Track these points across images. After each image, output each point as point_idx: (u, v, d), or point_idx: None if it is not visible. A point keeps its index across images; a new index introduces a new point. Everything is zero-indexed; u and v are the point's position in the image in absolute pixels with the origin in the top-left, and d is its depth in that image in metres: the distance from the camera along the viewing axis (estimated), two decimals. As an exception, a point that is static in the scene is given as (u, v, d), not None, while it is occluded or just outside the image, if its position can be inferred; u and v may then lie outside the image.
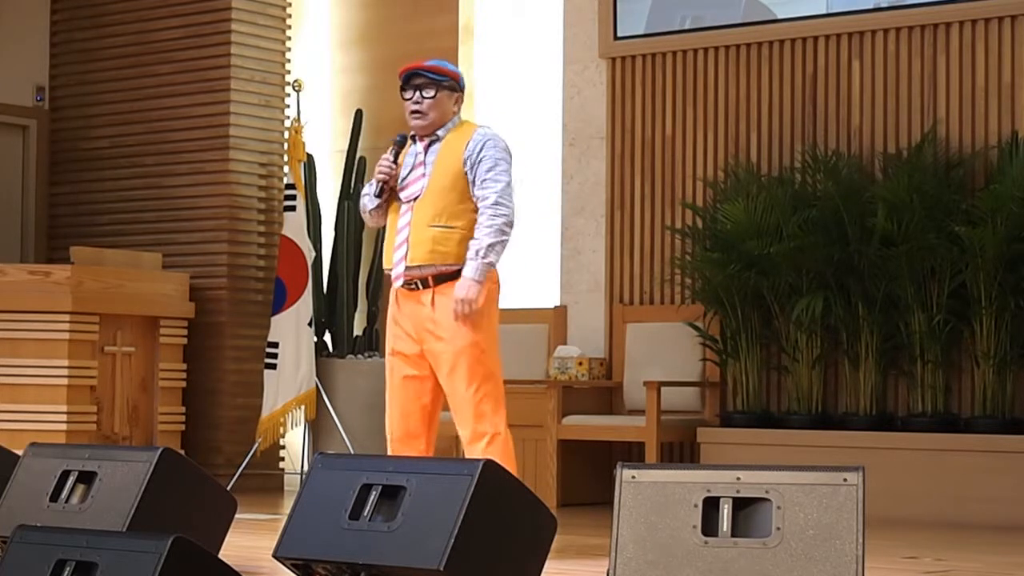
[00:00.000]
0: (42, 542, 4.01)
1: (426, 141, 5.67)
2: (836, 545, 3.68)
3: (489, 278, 5.57)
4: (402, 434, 5.65)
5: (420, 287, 5.57)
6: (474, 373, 5.53)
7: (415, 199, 5.60)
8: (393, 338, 5.70)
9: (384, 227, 5.79)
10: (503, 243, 5.55)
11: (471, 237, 5.55)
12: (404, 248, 5.57)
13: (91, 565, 3.87)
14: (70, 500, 4.79)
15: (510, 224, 5.56)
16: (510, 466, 5.38)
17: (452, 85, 5.66)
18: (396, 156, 5.67)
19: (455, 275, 5.53)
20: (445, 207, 5.56)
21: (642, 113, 8.78)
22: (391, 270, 5.64)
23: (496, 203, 5.53)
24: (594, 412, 8.39)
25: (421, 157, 5.65)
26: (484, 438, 5.52)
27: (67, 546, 3.95)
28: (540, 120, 9.29)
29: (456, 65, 5.83)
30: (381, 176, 5.64)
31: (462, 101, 5.73)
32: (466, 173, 5.59)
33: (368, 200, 5.74)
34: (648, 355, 8.50)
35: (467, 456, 5.58)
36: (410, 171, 5.65)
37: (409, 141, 5.74)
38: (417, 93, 5.62)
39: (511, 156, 5.66)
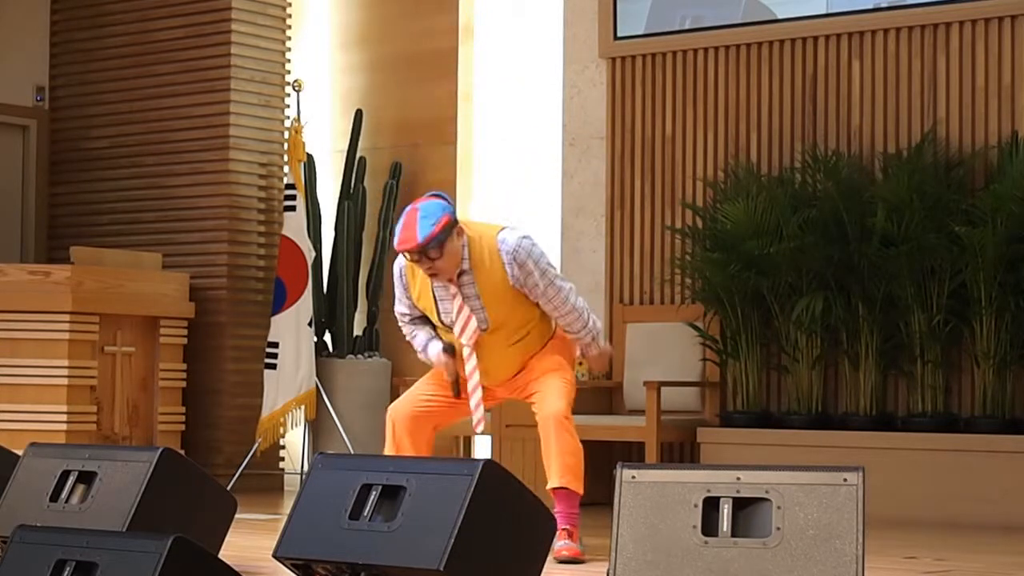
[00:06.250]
0: (42, 542, 4.01)
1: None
2: (836, 545, 3.68)
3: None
4: (410, 413, 5.79)
5: None
6: (563, 368, 5.83)
7: (481, 332, 5.69)
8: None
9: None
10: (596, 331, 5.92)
11: (543, 320, 5.81)
12: (479, 375, 5.73)
13: (91, 565, 3.87)
14: (70, 500, 4.79)
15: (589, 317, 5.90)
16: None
17: (448, 227, 5.50)
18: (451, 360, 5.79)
19: None
20: (514, 324, 5.73)
21: (642, 113, 8.78)
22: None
23: (575, 307, 5.80)
24: (594, 412, 8.38)
25: (453, 290, 5.64)
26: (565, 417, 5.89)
27: (67, 546, 3.95)
28: (540, 120, 9.28)
29: (448, 199, 5.64)
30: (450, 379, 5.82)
31: (457, 223, 5.58)
32: (515, 287, 5.68)
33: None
34: (648, 355, 8.50)
35: (544, 423, 5.83)
36: (455, 311, 5.67)
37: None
38: (426, 260, 5.53)
39: (538, 244, 5.80)
